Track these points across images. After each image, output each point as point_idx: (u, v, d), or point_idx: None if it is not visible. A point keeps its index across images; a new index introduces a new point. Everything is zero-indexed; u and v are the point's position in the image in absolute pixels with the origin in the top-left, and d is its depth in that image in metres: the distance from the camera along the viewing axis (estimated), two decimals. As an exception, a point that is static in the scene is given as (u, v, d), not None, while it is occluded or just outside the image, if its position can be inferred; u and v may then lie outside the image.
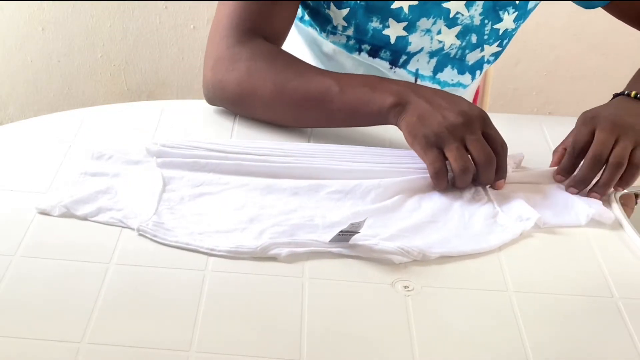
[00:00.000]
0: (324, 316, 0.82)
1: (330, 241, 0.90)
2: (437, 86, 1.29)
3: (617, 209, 1.00)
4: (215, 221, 0.94)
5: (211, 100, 1.15)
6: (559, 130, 1.17)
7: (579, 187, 1.02)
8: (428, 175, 1.01)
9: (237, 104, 1.13)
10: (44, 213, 0.93)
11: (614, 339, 0.82)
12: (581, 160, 1.02)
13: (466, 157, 0.98)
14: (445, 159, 0.99)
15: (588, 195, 1.02)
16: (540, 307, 0.85)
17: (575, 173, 1.03)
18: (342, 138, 1.10)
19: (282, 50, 1.14)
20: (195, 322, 0.80)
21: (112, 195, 0.96)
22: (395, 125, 1.03)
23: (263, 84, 1.10)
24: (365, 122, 1.07)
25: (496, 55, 1.32)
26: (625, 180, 1.01)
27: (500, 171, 1.00)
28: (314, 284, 0.86)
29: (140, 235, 0.91)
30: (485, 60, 1.31)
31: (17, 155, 1.04)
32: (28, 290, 0.83)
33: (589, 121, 1.03)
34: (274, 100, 1.09)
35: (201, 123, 1.13)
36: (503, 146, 1.00)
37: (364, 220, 0.90)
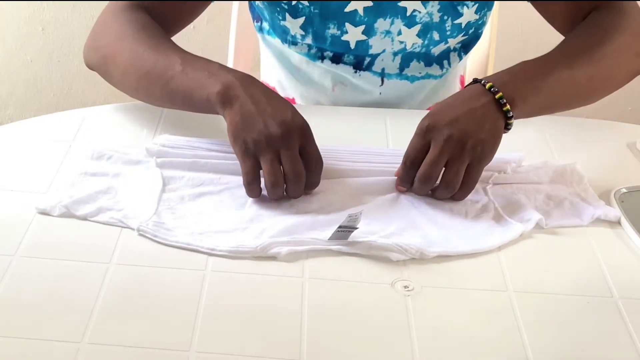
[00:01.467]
0: (324, 316, 0.82)
1: (329, 239, 0.90)
2: (405, 82, 1.28)
3: (616, 209, 1.00)
4: (216, 221, 0.94)
5: (86, 63, 1.15)
6: (559, 130, 1.17)
7: (419, 194, 1.00)
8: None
9: (103, 68, 1.12)
10: (44, 213, 0.94)
11: (614, 339, 0.82)
12: (415, 170, 0.98)
13: (278, 172, 0.95)
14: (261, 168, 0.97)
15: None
16: (540, 307, 0.85)
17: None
18: (342, 138, 1.10)
19: (156, 25, 1.12)
20: (195, 322, 0.80)
21: (112, 195, 0.96)
22: (222, 116, 1.00)
23: (123, 50, 1.08)
24: (199, 107, 1.03)
25: (464, 43, 1.29)
26: (458, 197, 0.99)
27: (312, 185, 0.98)
28: (314, 284, 0.86)
29: (140, 235, 0.91)
30: (452, 49, 1.28)
31: (17, 155, 1.04)
32: (28, 290, 0.83)
33: (425, 134, 0.98)
34: (127, 69, 1.08)
35: (201, 123, 1.13)
36: (317, 163, 0.97)
37: (361, 212, 0.90)
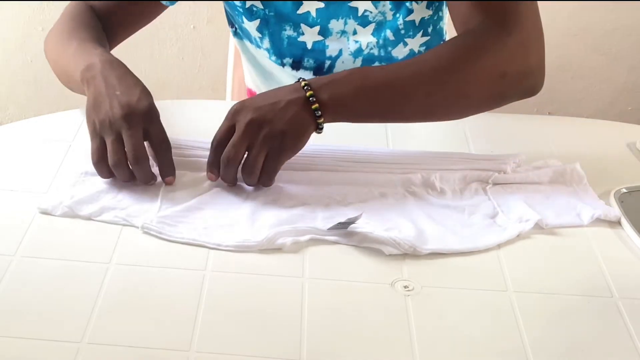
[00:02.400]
0: (324, 316, 0.82)
1: (328, 229, 0.92)
2: None
3: (616, 209, 1.00)
4: (218, 216, 0.95)
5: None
6: (559, 130, 1.17)
7: (227, 183, 0.99)
8: (428, 174, 1.02)
9: (46, 57, 1.17)
10: (45, 213, 0.94)
11: (614, 339, 0.82)
12: (220, 152, 0.98)
13: (118, 152, 0.96)
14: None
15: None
16: (540, 307, 0.85)
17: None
18: (342, 139, 1.10)
19: (92, 17, 1.17)
20: (195, 322, 0.80)
21: (115, 194, 0.97)
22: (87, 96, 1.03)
23: (52, 40, 1.15)
24: (75, 85, 1.08)
25: (428, 44, 1.26)
26: (262, 182, 0.98)
27: (164, 168, 0.99)
28: (314, 284, 0.86)
29: (145, 233, 0.91)
30: (417, 52, 1.26)
31: (17, 155, 1.04)
32: (28, 290, 0.83)
33: (231, 116, 0.99)
34: (49, 59, 1.14)
35: (201, 123, 1.13)
36: (162, 144, 0.98)
37: (361, 215, 0.91)
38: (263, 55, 1.29)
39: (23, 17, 2.31)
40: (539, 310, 0.85)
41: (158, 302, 0.82)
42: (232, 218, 0.94)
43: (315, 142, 1.02)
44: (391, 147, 1.11)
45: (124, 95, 0.99)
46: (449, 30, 1.25)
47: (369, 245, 0.91)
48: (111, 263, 0.87)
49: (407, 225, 0.94)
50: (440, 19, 1.27)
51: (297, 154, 1.03)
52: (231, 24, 1.32)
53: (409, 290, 0.86)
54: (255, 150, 0.96)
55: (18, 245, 0.88)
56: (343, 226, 0.92)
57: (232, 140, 0.97)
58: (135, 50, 2.33)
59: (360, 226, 0.92)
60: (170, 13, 2.40)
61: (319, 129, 1.00)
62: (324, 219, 0.94)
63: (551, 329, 0.83)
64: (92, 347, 0.76)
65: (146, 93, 1.00)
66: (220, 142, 0.98)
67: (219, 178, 0.98)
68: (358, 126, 1.15)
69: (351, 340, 0.80)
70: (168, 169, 0.99)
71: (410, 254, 0.90)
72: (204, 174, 1.00)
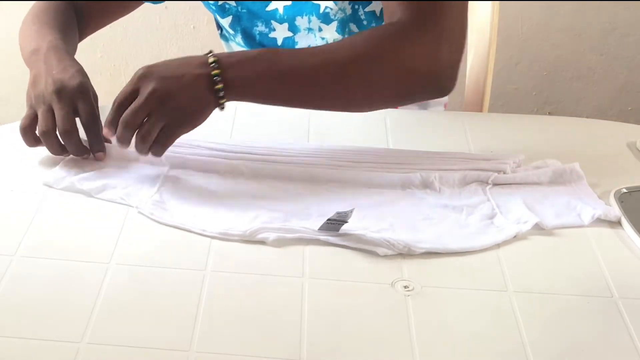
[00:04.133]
0: (324, 316, 0.82)
1: (319, 229, 0.91)
2: None
3: (617, 209, 1.00)
4: (213, 203, 0.96)
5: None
6: (559, 130, 1.17)
7: (120, 145, 0.99)
8: (427, 174, 1.02)
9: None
10: (48, 185, 0.97)
11: (614, 339, 0.82)
12: (119, 112, 0.99)
13: (49, 122, 0.99)
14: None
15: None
16: (540, 307, 0.85)
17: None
18: (342, 138, 1.10)
19: (63, 11, 1.20)
20: (195, 322, 0.80)
21: (118, 175, 0.99)
22: None
23: (25, 20, 1.20)
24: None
25: None
26: (154, 151, 0.99)
27: (94, 143, 1.01)
28: (314, 284, 0.86)
29: (139, 213, 0.93)
30: None
31: (17, 155, 1.04)
32: (28, 290, 0.83)
33: (137, 80, 0.98)
34: (20, 34, 1.19)
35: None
36: (90, 119, 1.00)
37: (352, 210, 0.91)
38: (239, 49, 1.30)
39: (23, 17, 2.31)
40: (539, 310, 0.85)
41: (158, 302, 0.82)
42: (227, 207, 0.95)
43: (315, 142, 1.02)
44: (391, 146, 1.11)
45: (59, 74, 1.02)
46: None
47: (362, 247, 0.91)
48: (111, 263, 0.87)
49: (402, 224, 0.95)
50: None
51: (296, 155, 1.03)
52: (218, 26, 1.34)
53: (409, 290, 0.86)
54: (152, 119, 0.97)
55: (18, 245, 0.88)
56: (334, 224, 0.91)
57: (132, 105, 0.98)
58: (136, 50, 2.33)
59: (353, 228, 0.92)
60: (170, 13, 2.41)
61: (220, 107, 0.99)
62: (318, 217, 0.95)
63: (551, 328, 0.83)
64: (92, 347, 0.76)
65: (81, 73, 1.03)
66: (121, 104, 0.99)
67: (114, 137, 0.99)
68: (358, 125, 1.15)
69: (351, 340, 0.80)
70: (97, 144, 1.01)
71: (405, 253, 0.90)
72: (204, 173, 1.01)
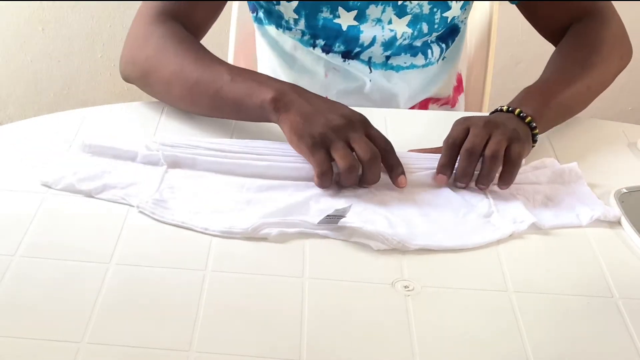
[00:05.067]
0: (324, 316, 0.82)
1: (318, 223, 0.92)
2: (391, 72, 1.31)
3: (617, 209, 1.00)
4: (213, 201, 0.96)
5: (124, 76, 1.18)
6: (559, 130, 1.17)
7: (463, 181, 1.01)
8: (428, 172, 1.02)
9: (143, 81, 1.15)
10: (46, 186, 0.96)
11: (614, 339, 0.82)
12: (457, 155, 1.02)
13: (352, 155, 0.98)
14: (332, 159, 0.99)
15: (476, 185, 1.01)
16: (540, 307, 0.85)
17: (455, 169, 1.02)
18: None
19: (192, 37, 1.16)
20: (195, 322, 0.80)
21: (117, 174, 0.99)
22: (276, 122, 1.03)
23: (166, 63, 1.11)
24: (250, 115, 1.07)
25: (442, 36, 1.32)
26: (504, 179, 1.01)
27: (393, 168, 1.00)
28: (314, 284, 0.86)
29: (140, 212, 0.93)
30: (431, 41, 1.32)
31: (17, 155, 1.04)
32: (28, 290, 0.83)
33: (462, 121, 1.04)
34: (172, 82, 1.11)
35: (201, 123, 1.13)
36: (388, 144, 1.01)
37: (350, 207, 0.92)
38: (288, 39, 1.31)
39: (23, 17, 2.31)
40: (539, 310, 0.85)
41: (158, 302, 0.82)
42: (227, 205, 0.95)
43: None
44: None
45: (335, 109, 1.02)
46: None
47: (357, 240, 0.91)
48: (111, 263, 0.87)
49: (399, 220, 0.95)
50: (463, 21, 1.34)
51: (296, 155, 1.03)
52: (253, 8, 1.34)
53: (409, 290, 0.86)
54: (498, 136, 1.01)
55: (18, 245, 0.88)
56: (332, 219, 0.92)
57: (473, 132, 1.01)
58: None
59: (350, 221, 0.92)
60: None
61: (533, 141, 1.07)
62: (317, 211, 0.95)
63: (551, 328, 0.83)
64: (92, 347, 0.76)
65: (347, 106, 1.04)
66: (456, 143, 1.02)
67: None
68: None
69: (351, 340, 0.80)
70: (398, 167, 1.00)
71: (399, 249, 0.90)
72: (204, 172, 1.01)
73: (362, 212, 0.95)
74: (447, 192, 1.01)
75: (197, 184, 0.99)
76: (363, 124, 1.01)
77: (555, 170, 1.06)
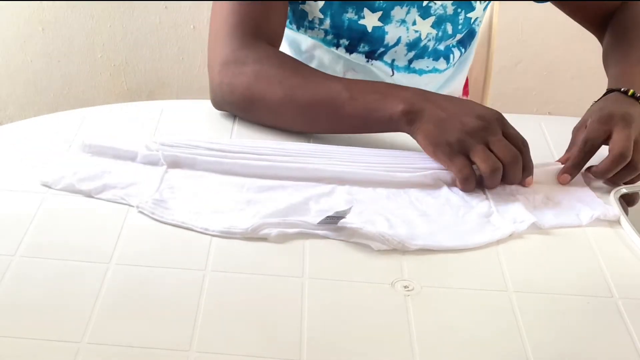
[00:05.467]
0: (324, 316, 0.82)
1: (318, 223, 0.92)
2: (413, 75, 1.31)
3: (616, 209, 1.00)
4: (213, 201, 0.96)
5: (219, 105, 1.14)
6: (559, 130, 1.17)
7: (600, 177, 1.03)
8: (428, 173, 1.02)
9: (246, 108, 1.12)
10: (46, 186, 0.96)
11: (614, 338, 0.82)
12: (590, 157, 1.03)
13: (493, 158, 0.98)
14: (472, 163, 0.99)
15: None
16: (540, 307, 0.85)
17: (594, 167, 1.04)
18: (342, 139, 1.10)
19: (287, 55, 1.15)
20: (195, 322, 0.80)
21: (117, 174, 0.99)
22: (408, 133, 1.03)
23: (272, 89, 1.09)
24: (376, 129, 1.06)
25: (461, 39, 1.33)
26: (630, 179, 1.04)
27: (527, 168, 1.00)
28: (314, 284, 0.86)
29: (140, 212, 0.93)
30: (453, 45, 1.32)
31: (17, 155, 1.04)
32: (28, 290, 0.83)
33: (605, 120, 1.03)
34: (283, 106, 1.08)
35: (201, 123, 1.13)
36: (525, 143, 1.01)
37: (350, 209, 0.92)
38: (307, 38, 1.29)
39: (23, 17, 2.31)
40: (539, 310, 0.85)
41: (158, 302, 0.82)
42: (228, 205, 0.96)
43: (315, 143, 1.02)
44: (391, 147, 1.11)
45: (468, 111, 1.00)
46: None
47: (357, 241, 0.91)
48: (111, 263, 0.87)
49: (399, 221, 0.95)
50: (480, 22, 1.35)
51: (296, 155, 1.03)
52: None
53: (409, 290, 0.86)
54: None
55: (18, 245, 0.88)
56: (332, 220, 0.92)
57: (619, 135, 1.01)
58: (136, 50, 2.33)
59: (350, 221, 0.92)
60: (170, 13, 2.41)
61: None
62: (317, 212, 0.95)
63: (551, 328, 0.83)
64: (92, 347, 0.76)
65: (481, 104, 1.04)
66: (594, 145, 1.03)
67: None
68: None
69: (351, 340, 0.80)
70: (531, 169, 1.01)
71: (399, 249, 0.90)
72: (205, 172, 1.01)
73: (362, 212, 0.95)
74: (446, 193, 1.01)
75: (197, 184, 0.99)
76: (500, 122, 1.00)
77: (556, 170, 1.05)
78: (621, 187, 1.04)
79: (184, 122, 1.13)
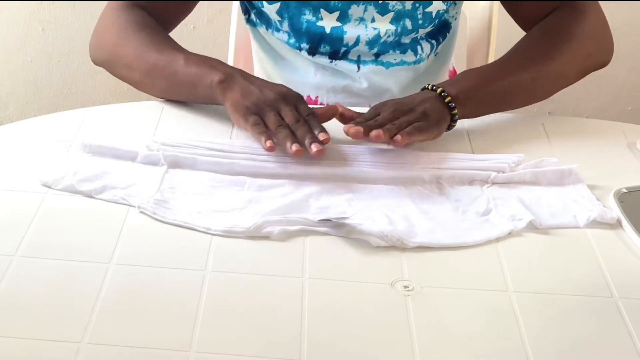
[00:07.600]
0: (324, 316, 0.82)
1: (318, 221, 0.93)
2: (380, 67, 1.32)
3: (616, 209, 1.00)
4: (214, 201, 0.96)
5: (93, 60, 1.26)
6: (559, 130, 1.17)
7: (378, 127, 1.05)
8: (427, 170, 1.03)
9: (109, 64, 1.22)
10: (46, 186, 0.96)
11: (614, 338, 0.82)
12: (372, 119, 1.07)
13: (279, 118, 1.05)
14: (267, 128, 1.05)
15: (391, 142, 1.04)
16: (540, 307, 0.85)
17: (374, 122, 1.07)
18: (341, 138, 1.10)
19: (154, 23, 1.21)
20: (195, 322, 0.80)
21: (117, 174, 0.99)
22: (222, 103, 1.10)
23: (127, 49, 1.18)
24: (202, 96, 1.13)
25: (431, 33, 1.32)
26: (390, 130, 1.05)
27: (318, 128, 1.05)
28: (314, 284, 0.86)
29: (141, 212, 0.93)
30: (420, 37, 1.32)
31: (17, 155, 1.04)
32: (28, 290, 0.83)
33: (374, 109, 1.10)
34: (132, 65, 1.17)
35: (201, 123, 1.13)
36: (311, 114, 1.07)
37: (349, 217, 0.93)
38: (278, 41, 1.32)
39: (23, 17, 2.31)
40: (539, 310, 0.85)
41: (158, 302, 0.82)
42: (229, 204, 0.96)
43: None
44: (391, 146, 1.11)
45: (273, 87, 1.09)
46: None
47: (357, 237, 0.92)
48: (111, 263, 0.87)
49: (398, 218, 0.95)
50: (454, 17, 1.34)
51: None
52: (245, 10, 1.36)
53: (409, 290, 0.86)
54: (404, 118, 1.06)
55: (18, 245, 0.88)
56: (333, 223, 0.93)
57: (382, 116, 1.07)
58: (135, 50, 2.33)
59: (350, 218, 0.93)
60: (170, 13, 2.39)
61: (453, 121, 1.10)
62: (317, 209, 0.96)
63: (551, 328, 0.83)
64: (92, 347, 0.76)
65: (288, 87, 1.11)
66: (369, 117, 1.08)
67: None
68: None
69: (351, 340, 0.80)
70: (321, 129, 1.05)
71: (398, 246, 0.91)
72: (204, 172, 1.01)
73: (362, 209, 0.96)
74: (445, 190, 1.01)
75: (198, 184, 0.99)
76: (295, 99, 1.08)
77: (555, 171, 1.05)
78: (621, 187, 1.04)
79: (184, 122, 1.13)
